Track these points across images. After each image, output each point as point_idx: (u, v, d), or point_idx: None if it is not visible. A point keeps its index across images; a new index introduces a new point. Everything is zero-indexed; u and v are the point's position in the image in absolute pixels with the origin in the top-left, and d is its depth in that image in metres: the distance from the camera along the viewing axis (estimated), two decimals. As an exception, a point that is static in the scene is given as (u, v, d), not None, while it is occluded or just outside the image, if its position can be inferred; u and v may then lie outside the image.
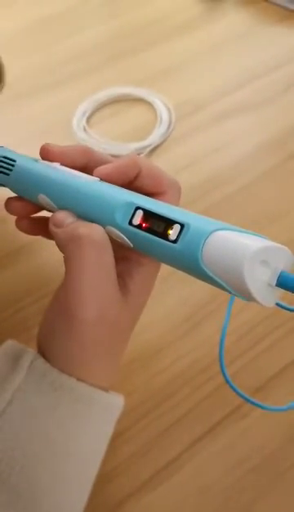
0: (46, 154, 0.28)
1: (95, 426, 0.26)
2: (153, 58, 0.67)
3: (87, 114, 0.59)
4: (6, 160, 0.28)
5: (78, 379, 0.25)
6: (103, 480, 0.33)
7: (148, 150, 0.54)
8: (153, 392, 0.37)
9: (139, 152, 0.54)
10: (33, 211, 0.30)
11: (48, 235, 0.30)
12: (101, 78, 0.63)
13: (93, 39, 0.71)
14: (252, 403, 0.34)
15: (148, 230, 0.24)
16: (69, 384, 0.25)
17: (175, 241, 0.23)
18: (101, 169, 0.26)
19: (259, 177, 0.52)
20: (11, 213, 0.30)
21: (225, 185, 0.51)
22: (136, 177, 0.26)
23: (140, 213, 0.24)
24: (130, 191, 0.26)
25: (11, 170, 0.28)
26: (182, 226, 0.23)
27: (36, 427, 0.24)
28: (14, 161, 0.28)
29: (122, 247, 0.26)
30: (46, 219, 0.29)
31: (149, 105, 0.60)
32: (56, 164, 0.27)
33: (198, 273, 0.23)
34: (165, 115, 0.58)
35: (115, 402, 0.28)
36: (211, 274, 0.22)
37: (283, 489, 0.34)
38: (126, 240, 0.25)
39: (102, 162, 0.27)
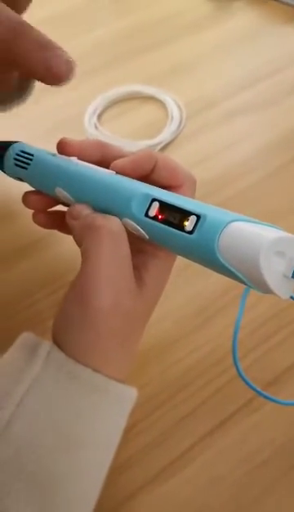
0: (63, 148, 0.28)
1: (110, 416, 0.27)
2: (163, 56, 0.67)
3: (98, 112, 0.59)
4: (24, 155, 0.29)
5: (94, 370, 0.26)
6: (116, 471, 0.34)
7: (159, 147, 0.55)
8: (166, 384, 0.38)
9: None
10: (50, 205, 0.30)
11: (64, 229, 0.31)
12: (112, 76, 0.64)
13: (104, 37, 0.71)
14: (265, 396, 0.34)
15: (164, 221, 0.24)
16: (85, 375, 0.25)
17: (191, 232, 0.23)
18: (117, 163, 0.26)
19: (269, 175, 0.52)
20: (28, 207, 0.30)
21: (235, 182, 0.51)
22: (152, 170, 0.26)
23: (156, 205, 0.25)
24: (146, 184, 0.26)
25: (28, 164, 0.29)
26: (198, 217, 0.23)
27: (53, 416, 0.24)
28: (32, 155, 0.29)
29: (139, 240, 0.27)
30: (62, 213, 0.30)
31: (160, 102, 0.60)
32: (73, 158, 0.28)
33: (215, 264, 0.23)
34: (176, 113, 0.58)
35: (129, 394, 0.28)
36: (227, 265, 0.23)
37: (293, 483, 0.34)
38: (142, 231, 0.25)
39: (118, 156, 0.28)
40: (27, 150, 0.29)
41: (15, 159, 0.29)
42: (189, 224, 0.23)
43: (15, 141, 0.30)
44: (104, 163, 0.28)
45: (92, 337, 0.26)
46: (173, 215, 0.24)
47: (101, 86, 0.62)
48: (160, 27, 0.73)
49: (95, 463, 0.26)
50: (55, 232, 0.31)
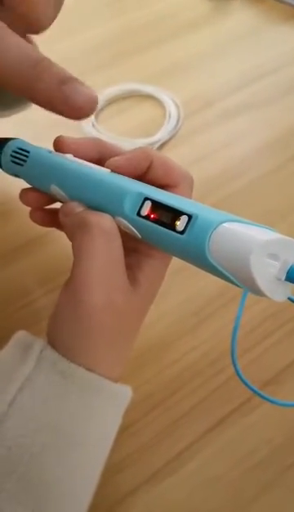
0: (59, 145, 0.28)
1: (104, 415, 0.26)
2: (161, 55, 0.67)
3: (96, 110, 0.59)
4: (20, 151, 0.29)
5: (87, 369, 0.26)
6: (112, 471, 0.34)
7: (156, 145, 0.54)
8: (162, 384, 0.37)
9: (147, 148, 0.54)
10: (47, 202, 0.30)
11: (61, 226, 0.30)
12: (110, 75, 0.64)
13: (102, 36, 0.71)
14: (262, 397, 0.34)
15: (156, 221, 0.24)
16: (78, 373, 0.25)
17: (182, 232, 0.23)
18: (112, 161, 0.26)
19: (266, 174, 0.52)
20: (26, 204, 0.30)
21: (232, 181, 0.51)
22: (148, 169, 0.26)
23: (148, 204, 0.24)
24: (140, 182, 0.26)
25: (25, 161, 0.29)
26: (190, 217, 0.23)
27: (45, 415, 0.24)
28: (28, 152, 0.29)
29: (133, 239, 0.26)
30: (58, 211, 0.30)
31: (158, 101, 0.60)
32: (69, 156, 0.28)
33: (205, 265, 0.23)
34: (173, 112, 0.58)
35: (123, 392, 0.28)
36: (217, 266, 0.22)
37: (291, 482, 0.34)
38: (135, 231, 0.25)
39: (114, 154, 0.27)
40: (23, 147, 0.29)
41: (12, 156, 0.29)
42: (180, 224, 0.23)
43: (13, 138, 0.30)
44: (101, 161, 0.28)
45: (85, 335, 0.25)
46: (165, 215, 0.24)
47: (99, 84, 0.61)
48: (158, 26, 0.73)
49: (88, 463, 0.26)
50: (52, 231, 0.31)
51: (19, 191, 0.30)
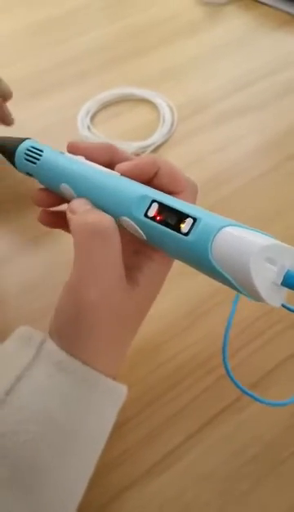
0: (72, 148, 0.29)
1: (98, 409, 0.27)
2: (156, 60, 0.68)
3: (91, 114, 0.60)
4: (34, 150, 0.30)
5: (83, 363, 0.26)
6: (108, 467, 0.34)
7: (150, 148, 0.55)
8: (156, 383, 0.38)
9: (142, 151, 0.55)
10: (56, 203, 0.31)
11: (67, 228, 0.31)
12: (105, 79, 0.65)
13: (98, 40, 0.72)
14: (251, 396, 0.35)
15: (161, 222, 0.25)
16: (74, 366, 0.26)
17: (186, 234, 0.24)
18: (121, 165, 0.27)
19: (259, 176, 0.53)
20: (37, 204, 0.31)
21: (226, 183, 0.52)
22: (155, 175, 0.27)
23: (155, 206, 0.25)
24: (147, 187, 0.27)
25: (38, 159, 0.30)
26: (194, 220, 0.24)
27: (40, 405, 0.25)
28: (41, 151, 0.30)
29: (136, 241, 0.27)
30: (64, 213, 0.31)
31: (152, 105, 0.61)
32: (80, 157, 0.29)
33: (207, 267, 0.24)
34: (168, 115, 0.59)
35: (118, 389, 0.28)
36: (219, 268, 0.23)
37: (282, 477, 0.34)
38: (140, 231, 0.26)
39: (124, 159, 0.29)
40: (37, 147, 0.30)
41: (26, 154, 0.30)
42: (185, 226, 0.24)
43: (27, 138, 0.31)
44: (111, 165, 0.29)
45: (83, 330, 0.26)
46: (171, 217, 0.25)
47: (95, 88, 0.62)
48: (153, 31, 0.74)
49: (81, 454, 0.26)
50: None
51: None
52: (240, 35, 0.73)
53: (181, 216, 0.25)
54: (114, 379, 0.28)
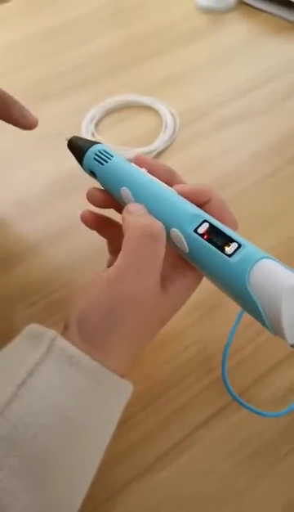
0: (138, 161, 0.32)
1: (106, 404, 0.28)
2: (158, 67, 0.70)
3: (96, 120, 0.61)
4: (104, 153, 0.33)
5: (97, 360, 0.27)
6: (110, 462, 0.35)
7: (153, 154, 0.57)
8: (159, 380, 0.39)
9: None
10: (106, 205, 0.34)
11: (103, 232, 0.35)
12: (109, 86, 0.66)
13: (102, 48, 0.74)
14: (241, 404, 0.37)
15: (209, 240, 0.27)
16: (84, 361, 0.27)
17: (230, 255, 0.26)
18: (180, 186, 0.30)
19: (260, 181, 0.54)
20: (90, 201, 0.34)
21: (227, 188, 0.53)
22: (205, 204, 0.30)
23: (205, 226, 0.28)
24: (200, 209, 0.29)
25: (106, 162, 0.32)
26: (239, 245, 0.27)
27: (50, 398, 0.26)
28: (111, 156, 0.33)
29: (175, 255, 0.30)
30: (107, 219, 0.34)
31: (155, 112, 0.62)
32: (144, 170, 0.31)
33: (241, 289, 0.26)
34: (170, 122, 0.60)
35: (124, 386, 0.29)
36: (252, 294, 0.25)
37: (281, 474, 0.35)
38: (185, 244, 0.28)
39: (182, 183, 0.32)
40: (108, 151, 0.33)
41: (96, 155, 0.33)
42: (229, 249, 0.27)
43: (99, 142, 0.34)
44: (169, 185, 0.31)
45: (107, 323, 0.28)
46: (218, 238, 0.27)
47: (99, 95, 0.64)
48: (155, 39, 0.75)
49: (87, 449, 0.27)
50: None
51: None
52: (241, 42, 0.74)
53: (228, 239, 0.27)
54: (123, 377, 0.29)
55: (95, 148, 0.33)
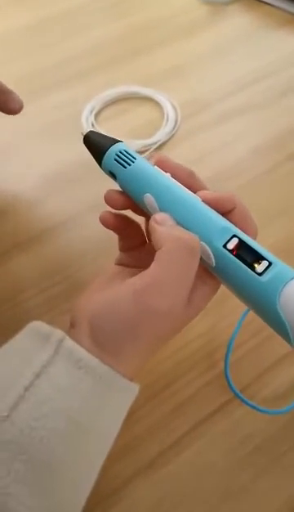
0: (161, 163, 0.30)
1: (113, 408, 0.28)
2: (159, 58, 0.69)
3: (95, 111, 0.60)
4: (127, 155, 0.30)
5: (107, 364, 0.26)
6: (114, 457, 0.34)
7: (154, 147, 0.56)
8: (162, 374, 0.39)
9: (146, 149, 0.56)
10: (126, 207, 0.32)
11: (121, 233, 0.33)
12: (110, 77, 0.65)
13: (102, 39, 0.73)
14: (242, 400, 0.37)
15: (238, 257, 0.26)
16: (92, 365, 0.26)
17: (260, 274, 0.26)
18: (205, 193, 0.29)
19: (261, 175, 0.54)
20: (108, 203, 0.31)
21: (228, 181, 0.53)
22: (229, 212, 0.29)
23: (235, 241, 0.27)
24: (228, 221, 0.28)
25: (129, 165, 0.30)
26: (270, 263, 0.26)
27: (58, 402, 0.25)
28: (134, 158, 0.30)
29: (199, 265, 0.29)
30: (127, 219, 0.33)
31: (156, 103, 0.62)
32: (168, 175, 0.29)
33: (270, 309, 0.25)
34: (171, 114, 0.59)
35: (131, 389, 0.29)
36: (282, 314, 0.25)
37: (282, 469, 0.35)
38: (213, 258, 0.27)
39: (203, 188, 0.30)
40: (130, 153, 0.30)
41: (117, 156, 0.30)
42: (260, 267, 0.26)
43: (120, 141, 0.31)
44: (190, 190, 0.29)
45: (129, 333, 0.27)
46: (248, 254, 0.26)
47: (99, 86, 0.63)
48: (156, 29, 0.74)
49: (93, 452, 0.27)
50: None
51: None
52: (243, 34, 0.73)
53: (258, 257, 0.26)
54: (132, 380, 0.28)
55: (116, 148, 0.30)
